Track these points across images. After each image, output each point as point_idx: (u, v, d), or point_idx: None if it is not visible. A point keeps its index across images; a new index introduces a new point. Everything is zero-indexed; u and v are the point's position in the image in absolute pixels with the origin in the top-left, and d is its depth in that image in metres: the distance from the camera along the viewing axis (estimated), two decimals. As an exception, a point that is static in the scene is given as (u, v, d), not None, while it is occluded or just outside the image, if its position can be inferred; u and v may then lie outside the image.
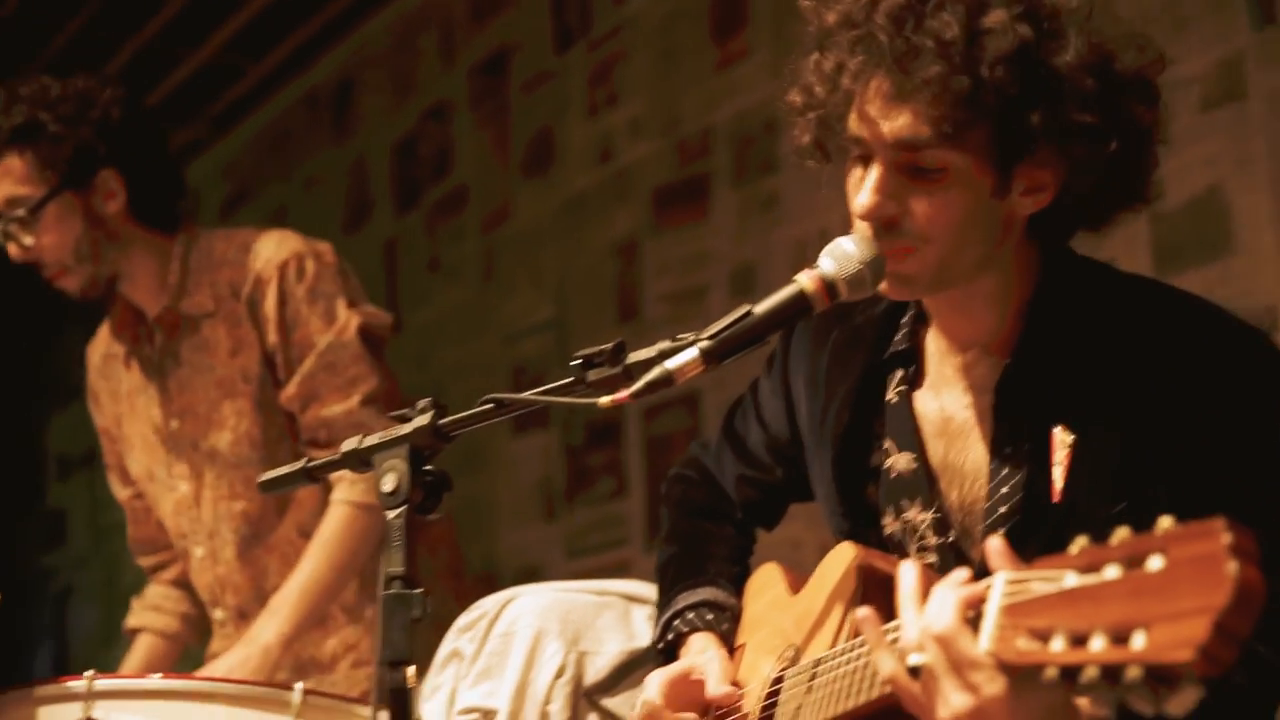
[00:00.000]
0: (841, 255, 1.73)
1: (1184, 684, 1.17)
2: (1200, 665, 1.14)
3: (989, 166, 1.74)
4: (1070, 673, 1.23)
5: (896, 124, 1.72)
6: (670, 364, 1.69)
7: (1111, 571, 1.22)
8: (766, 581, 2.11)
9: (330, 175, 6.08)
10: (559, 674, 2.26)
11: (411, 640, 1.82)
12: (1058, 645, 1.24)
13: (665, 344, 1.74)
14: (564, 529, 4.84)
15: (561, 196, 5.00)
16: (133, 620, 3.33)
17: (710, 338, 1.70)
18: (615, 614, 2.34)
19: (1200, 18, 3.39)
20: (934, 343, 1.94)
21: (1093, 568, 1.24)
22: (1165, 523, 1.20)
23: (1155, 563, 1.19)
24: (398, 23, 5.77)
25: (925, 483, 1.91)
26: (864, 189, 1.76)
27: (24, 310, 7.39)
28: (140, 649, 3.25)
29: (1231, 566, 1.13)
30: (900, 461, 1.93)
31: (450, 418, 1.86)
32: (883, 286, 1.80)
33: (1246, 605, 1.13)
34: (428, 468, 1.87)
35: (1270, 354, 1.80)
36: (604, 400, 1.71)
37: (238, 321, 3.07)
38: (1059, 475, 1.78)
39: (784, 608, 2.01)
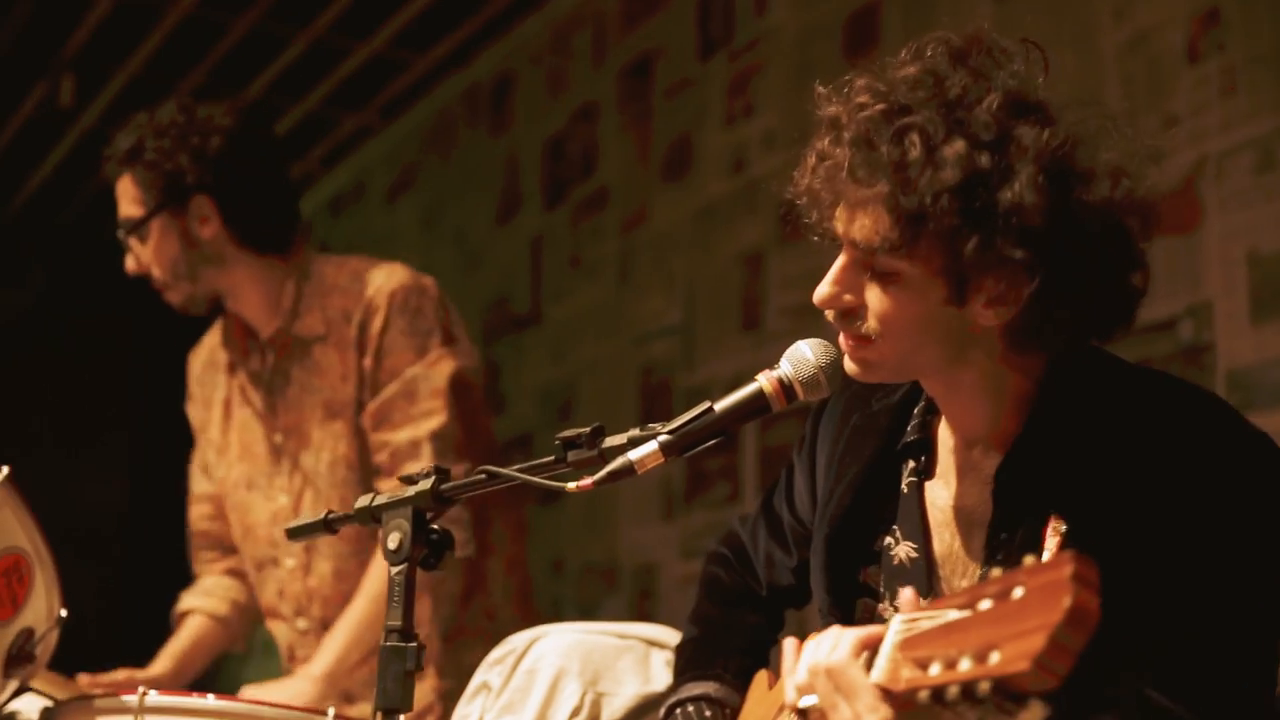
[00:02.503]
0: (799, 359, 1.82)
1: (1030, 701, 1.33)
2: (1037, 674, 1.30)
3: (940, 277, 1.78)
4: (939, 693, 1.38)
5: (854, 226, 1.80)
6: (632, 455, 1.81)
7: (985, 604, 1.38)
8: (756, 682, 2.18)
9: (485, 169, 6.26)
10: (575, 712, 2.38)
11: (406, 691, 1.97)
12: (935, 670, 1.39)
13: (635, 432, 1.85)
14: (680, 529, 4.96)
15: (696, 203, 5.10)
16: (182, 604, 3.45)
17: (670, 432, 1.81)
18: (635, 657, 2.45)
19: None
20: (945, 434, 1.99)
21: (971, 603, 1.39)
22: (1028, 560, 1.36)
23: (1018, 593, 1.35)
24: (555, 21, 5.91)
25: (924, 573, 1.95)
26: (825, 279, 1.85)
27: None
28: (187, 630, 3.37)
29: (1068, 589, 1.30)
30: (902, 550, 1.98)
31: (449, 484, 1.99)
32: (850, 369, 1.88)
33: (1079, 622, 1.30)
34: (433, 527, 2.02)
35: (1273, 464, 1.80)
36: (570, 486, 1.82)
37: (348, 346, 3.21)
38: None
39: (761, 701, 2.09)
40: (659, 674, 2.46)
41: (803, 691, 1.62)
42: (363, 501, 2.05)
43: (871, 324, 1.82)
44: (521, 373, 5.90)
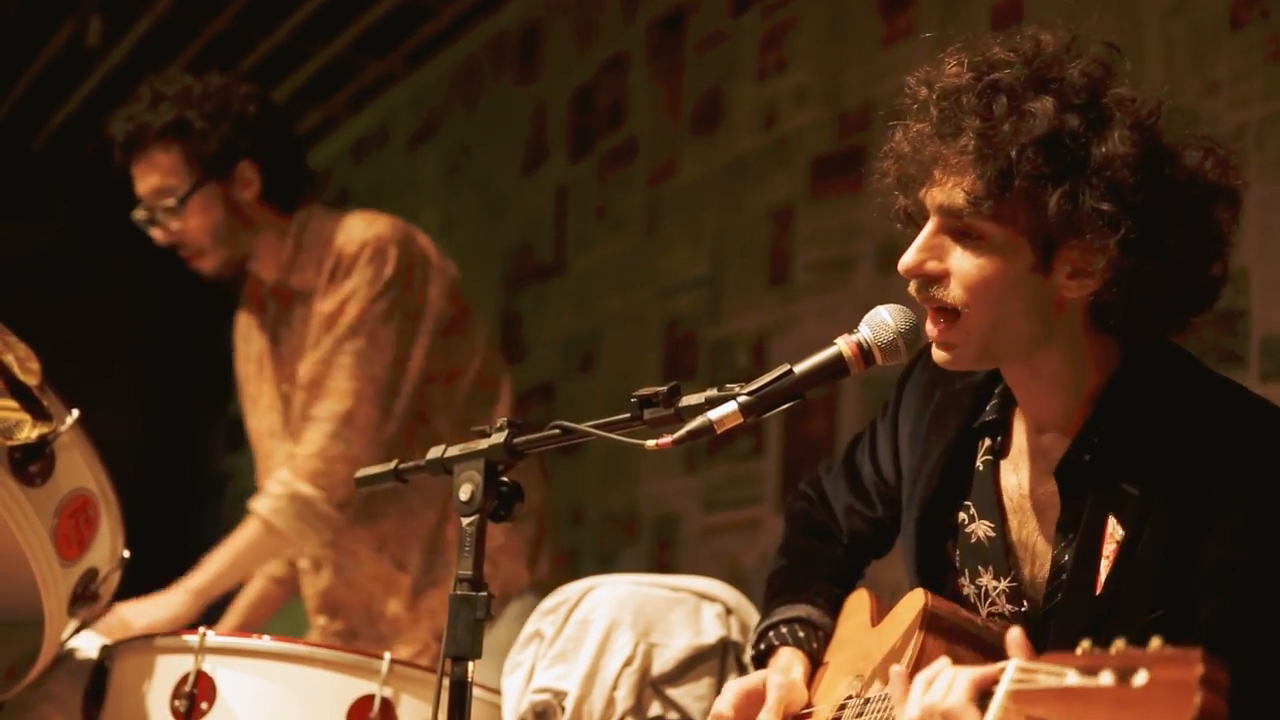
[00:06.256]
0: (879, 324, 1.85)
1: None
2: None
3: (1027, 241, 1.82)
4: None
5: (942, 191, 1.84)
6: (712, 415, 1.84)
7: (1105, 678, 1.40)
8: (857, 606, 2.22)
9: (511, 118, 6.26)
10: (628, 663, 2.42)
11: (475, 638, 2.01)
12: None
13: (712, 392, 1.89)
14: (703, 482, 4.99)
15: (725, 157, 5.10)
16: None
17: (750, 393, 1.84)
18: (686, 610, 2.49)
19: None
20: (1020, 419, 2.03)
21: (1091, 670, 1.42)
22: (1155, 643, 1.39)
23: (1140, 678, 1.37)
24: (586, -30, 5.90)
25: (1002, 554, 2.00)
26: (911, 247, 1.88)
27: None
28: (251, 591, 3.47)
29: (1198, 696, 1.32)
30: (979, 529, 2.03)
31: (522, 438, 2.03)
32: (939, 356, 1.92)
33: None
34: (504, 479, 2.06)
35: None
36: (649, 444, 1.86)
37: (319, 294, 3.29)
38: (1104, 568, 1.86)
39: (865, 634, 2.12)
40: (709, 626, 2.50)
41: None
42: (434, 453, 2.09)
43: (956, 291, 1.85)
44: (544, 323, 5.92)
